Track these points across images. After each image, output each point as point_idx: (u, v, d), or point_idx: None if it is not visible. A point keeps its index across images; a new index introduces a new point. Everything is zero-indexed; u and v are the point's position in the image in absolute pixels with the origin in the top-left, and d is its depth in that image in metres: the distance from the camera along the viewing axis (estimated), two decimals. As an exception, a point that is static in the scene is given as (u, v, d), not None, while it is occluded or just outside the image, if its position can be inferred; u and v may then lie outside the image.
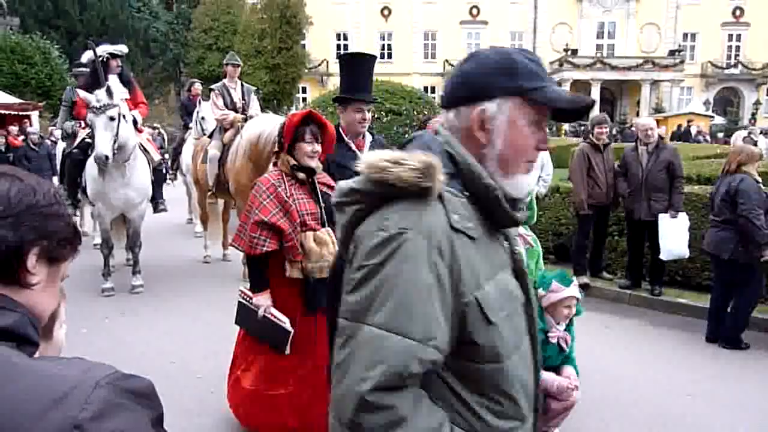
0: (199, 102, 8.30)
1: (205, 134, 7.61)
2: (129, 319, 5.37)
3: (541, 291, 3.05)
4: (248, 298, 3.07)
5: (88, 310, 5.48)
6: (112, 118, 5.42)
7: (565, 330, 3.08)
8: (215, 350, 4.49)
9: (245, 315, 3.10)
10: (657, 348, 4.89)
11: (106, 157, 5.33)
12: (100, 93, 5.44)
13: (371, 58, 3.65)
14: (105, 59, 6.26)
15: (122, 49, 6.50)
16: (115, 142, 5.43)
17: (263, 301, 2.97)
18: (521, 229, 3.16)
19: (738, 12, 36.80)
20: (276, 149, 3.08)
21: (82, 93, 5.62)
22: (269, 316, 2.95)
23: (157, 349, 4.64)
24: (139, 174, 5.90)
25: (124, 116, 5.58)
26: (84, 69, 6.97)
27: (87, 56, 6.49)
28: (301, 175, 2.99)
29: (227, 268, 7.22)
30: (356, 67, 3.52)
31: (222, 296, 6.00)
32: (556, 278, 3.07)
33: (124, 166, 5.74)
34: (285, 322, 2.95)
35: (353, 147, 3.47)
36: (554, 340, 3.02)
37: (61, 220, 0.90)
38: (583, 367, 3.93)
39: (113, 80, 6.18)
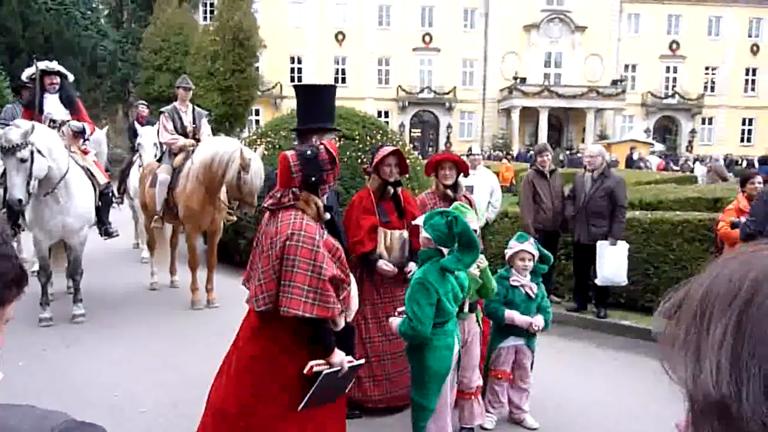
0: (135, 130, 8.23)
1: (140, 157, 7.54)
2: (70, 350, 5.13)
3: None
4: (326, 366, 2.63)
5: (26, 341, 5.21)
6: (23, 160, 5.00)
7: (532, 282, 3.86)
8: (162, 381, 4.34)
9: (329, 383, 2.66)
10: (605, 370, 5.01)
11: (20, 201, 5.01)
12: (11, 132, 4.99)
13: (330, 87, 3.64)
14: (39, 76, 6.05)
15: (53, 66, 6.18)
16: (28, 183, 5.06)
17: (342, 355, 2.66)
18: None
19: (674, 45, 38.97)
20: (296, 184, 2.62)
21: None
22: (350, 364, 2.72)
23: (100, 381, 4.44)
24: (77, 199, 5.58)
25: (39, 151, 5.11)
26: (28, 84, 6.75)
27: (27, 73, 6.28)
28: (327, 216, 2.73)
29: (175, 294, 7.02)
30: (316, 97, 3.48)
31: (170, 325, 5.83)
32: (515, 238, 3.93)
33: (57, 193, 5.41)
34: (362, 359, 2.93)
35: None
36: (516, 284, 3.78)
37: (8, 261, 0.85)
38: (535, 392, 3.99)
39: (51, 100, 5.97)
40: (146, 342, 5.32)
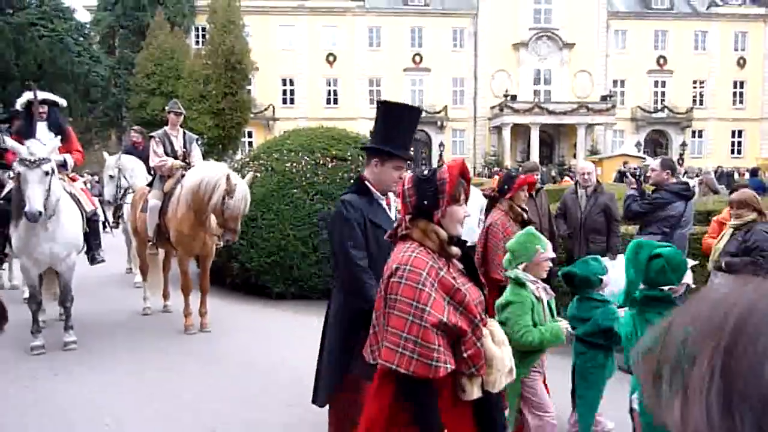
0: (118, 160, 8.35)
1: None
2: (61, 379, 5.05)
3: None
4: None
5: (15, 370, 5.14)
6: (46, 173, 5.16)
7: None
8: (154, 408, 4.28)
9: None
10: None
11: (40, 213, 5.06)
12: (35, 146, 5.17)
13: (418, 111, 3.25)
14: (27, 106, 6.08)
15: (40, 96, 6.21)
16: (47, 197, 5.18)
17: None
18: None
19: (662, 60, 39.48)
20: (410, 211, 2.17)
21: (10, 142, 5.35)
22: None
23: (91, 411, 4.37)
24: (64, 227, 5.57)
25: (53, 170, 5.33)
26: (18, 110, 6.76)
27: (22, 100, 6.28)
28: (455, 250, 2.15)
29: (168, 320, 6.95)
30: (402, 119, 3.05)
31: (163, 352, 5.77)
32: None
33: (46, 220, 5.42)
34: None
35: (383, 204, 3.00)
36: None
37: None
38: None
39: (41, 128, 5.99)
40: (138, 369, 5.25)
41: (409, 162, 3.08)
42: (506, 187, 4.73)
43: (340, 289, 3.03)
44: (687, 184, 6.00)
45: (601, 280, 3.47)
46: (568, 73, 38.82)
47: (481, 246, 4.51)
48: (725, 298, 0.55)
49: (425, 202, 2.12)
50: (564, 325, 3.27)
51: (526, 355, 3.14)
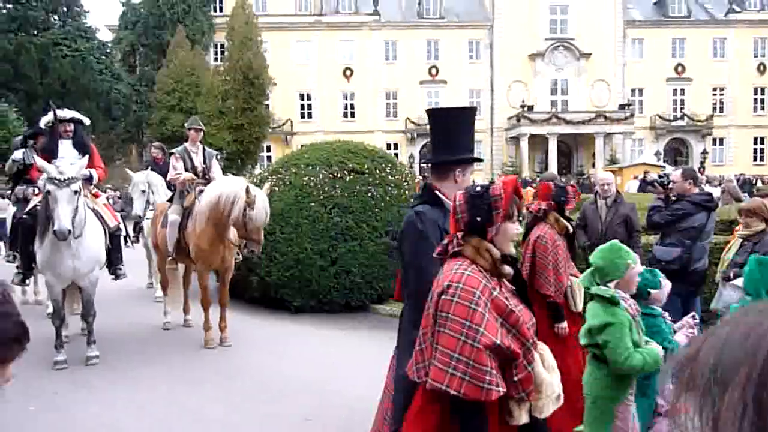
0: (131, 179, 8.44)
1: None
2: (82, 394, 5.10)
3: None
4: None
5: (38, 385, 5.19)
6: (75, 192, 5.25)
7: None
8: (174, 424, 4.29)
9: None
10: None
11: (69, 231, 5.13)
12: (64, 165, 5.26)
13: (474, 110, 3.13)
14: (53, 124, 6.19)
15: (65, 114, 6.32)
16: (75, 216, 5.26)
17: None
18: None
19: (680, 68, 39.10)
20: (462, 228, 2.12)
21: (39, 161, 5.44)
22: None
23: (111, 426, 4.40)
24: (88, 243, 5.64)
25: (81, 189, 5.45)
26: (42, 128, 6.90)
27: (45, 120, 6.41)
28: (508, 270, 2.10)
29: (188, 334, 7.00)
30: (465, 122, 2.93)
31: (183, 367, 5.80)
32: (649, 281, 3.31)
33: (71, 238, 5.49)
34: None
35: None
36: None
37: (8, 320, 0.85)
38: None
39: (65, 145, 6.09)
40: (159, 384, 5.28)
41: (478, 160, 2.99)
42: (562, 199, 4.51)
43: (415, 308, 2.70)
44: (710, 194, 5.88)
45: (649, 293, 3.28)
46: (585, 82, 38.62)
47: (529, 261, 4.38)
48: (758, 323, 0.52)
49: (478, 219, 2.07)
50: (659, 347, 3.04)
51: (622, 379, 2.90)
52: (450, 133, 2.83)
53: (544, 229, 4.37)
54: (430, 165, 2.96)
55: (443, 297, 1.98)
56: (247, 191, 5.72)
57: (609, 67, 38.49)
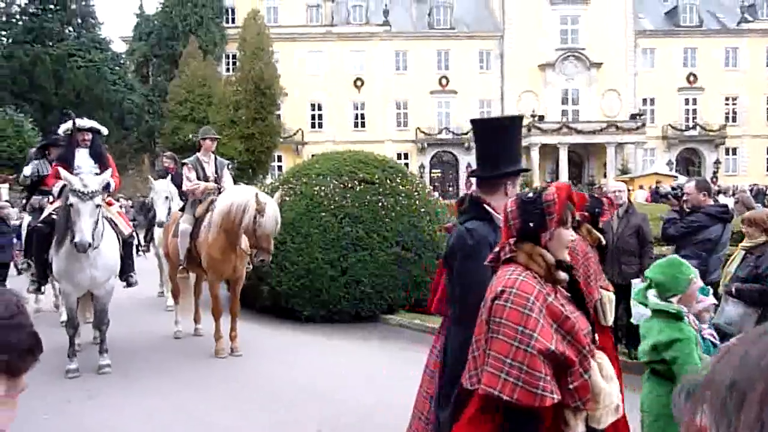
0: (152, 188, 8.42)
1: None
2: (95, 402, 5.12)
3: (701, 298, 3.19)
4: None
5: (51, 393, 5.22)
6: (98, 206, 5.31)
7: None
8: (185, 434, 4.29)
9: None
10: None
11: (89, 244, 5.18)
12: (88, 178, 5.32)
13: (521, 118, 3.02)
14: (71, 132, 6.26)
15: (85, 123, 6.38)
16: (95, 228, 5.31)
17: None
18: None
19: (692, 78, 38.91)
20: (514, 234, 2.10)
21: (65, 173, 5.40)
22: None
23: (123, 435, 4.41)
24: (104, 253, 5.68)
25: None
26: (56, 138, 6.97)
27: (63, 128, 6.44)
28: (563, 275, 2.08)
29: (199, 343, 7.01)
30: (514, 131, 2.83)
31: (193, 375, 5.81)
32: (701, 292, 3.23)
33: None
34: None
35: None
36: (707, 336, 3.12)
37: (22, 332, 0.86)
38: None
39: (82, 154, 6.15)
40: (170, 393, 5.29)
41: (525, 170, 2.88)
42: (597, 210, 4.37)
43: (461, 325, 2.52)
44: (725, 206, 5.82)
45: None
46: (596, 92, 38.54)
47: None
48: None
49: (531, 224, 2.05)
50: None
51: None
52: (499, 144, 2.72)
53: (576, 240, 4.29)
54: (477, 179, 2.84)
55: (496, 302, 1.96)
56: (258, 199, 5.75)
57: (620, 77, 38.40)
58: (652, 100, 39.07)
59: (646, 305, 3.01)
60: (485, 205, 2.65)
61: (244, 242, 6.15)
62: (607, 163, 36.25)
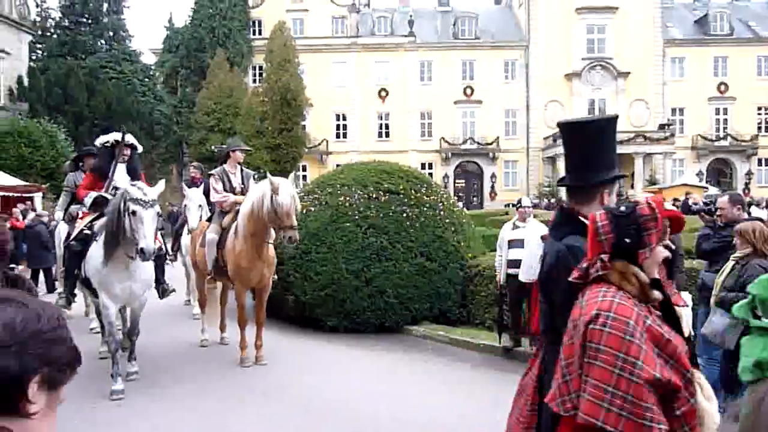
0: (184, 194, 8.49)
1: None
2: (120, 409, 5.18)
3: None
4: None
5: (76, 398, 5.29)
6: (159, 215, 5.38)
7: None
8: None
9: None
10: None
11: (154, 251, 5.22)
12: (147, 188, 5.38)
13: (615, 119, 2.73)
14: (114, 144, 6.32)
15: (130, 139, 6.46)
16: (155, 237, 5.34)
17: None
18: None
19: (723, 87, 38.19)
20: (607, 250, 1.96)
21: (124, 183, 5.40)
22: None
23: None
24: (143, 266, 5.65)
25: None
26: (89, 149, 7.08)
27: (103, 140, 6.41)
28: (657, 295, 1.97)
29: (224, 352, 7.07)
30: (610, 133, 2.59)
31: (219, 384, 5.85)
32: None
33: (128, 259, 5.53)
34: None
35: None
36: None
37: (63, 345, 0.89)
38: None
39: (120, 169, 6.24)
40: (194, 401, 5.33)
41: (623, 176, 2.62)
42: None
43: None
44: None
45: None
46: (623, 102, 38.07)
47: None
48: None
49: (627, 241, 1.92)
50: None
51: None
52: (594, 148, 2.49)
53: None
54: (569, 188, 2.59)
55: (591, 326, 1.84)
56: (270, 180, 5.85)
57: (648, 87, 37.89)
58: (681, 110, 38.42)
59: (748, 322, 2.88)
60: (581, 218, 2.42)
61: (272, 236, 6.18)
62: (634, 173, 35.70)
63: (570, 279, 2.03)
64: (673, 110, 38.41)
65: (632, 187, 34.39)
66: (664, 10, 38.62)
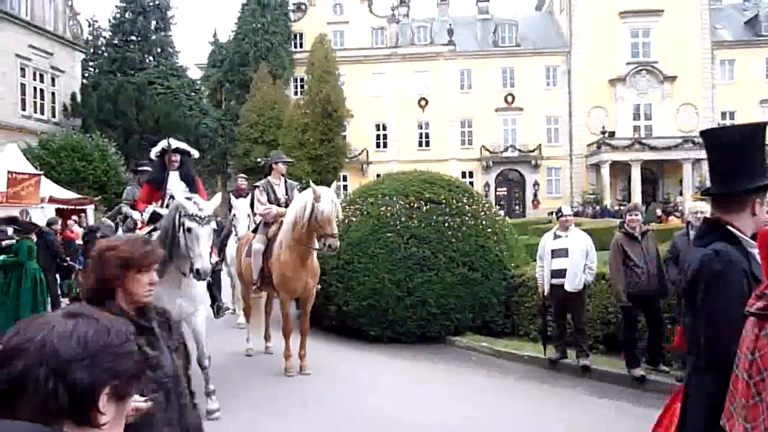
0: (230, 204, 8.60)
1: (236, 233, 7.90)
2: (171, 416, 5.30)
3: None
4: None
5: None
6: (215, 230, 5.13)
7: None
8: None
9: None
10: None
11: (209, 272, 4.90)
12: (203, 202, 4.98)
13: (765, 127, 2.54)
14: (161, 153, 6.25)
15: (175, 144, 6.29)
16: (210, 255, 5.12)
17: None
18: None
19: (776, 90, 36.73)
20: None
21: (179, 200, 5.03)
22: None
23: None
24: (193, 282, 5.24)
25: None
26: (145, 166, 7.25)
27: (157, 149, 6.30)
28: None
29: (269, 361, 7.16)
30: (760, 141, 2.41)
31: (262, 393, 5.93)
32: None
33: (181, 275, 5.15)
34: None
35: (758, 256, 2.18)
36: None
37: (131, 358, 0.92)
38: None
39: (173, 176, 6.15)
40: (239, 410, 5.41)
41: None
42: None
43: (709, 374, 2.15)
44: None
45: None
46: (670, 106, 37.04)
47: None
48: None
49: None
50: None
51: None
52: (741, 156, 2.34)
53: None
54: (714, 197, 2.45)
55: None
56: (313, 189, 5.94)
57: (696, 91, 36.76)
58: (732, 114, 37.07)
59: None
60: (729, 227, 2.26)
61: (316, 245, 6.22)
62: (683, 180, 34.61)
63: (750, 311, 1.77)
64: (723, 114, 37.11)
65: (681, 194, 33.33)
66: (712, 11, 37.47)
